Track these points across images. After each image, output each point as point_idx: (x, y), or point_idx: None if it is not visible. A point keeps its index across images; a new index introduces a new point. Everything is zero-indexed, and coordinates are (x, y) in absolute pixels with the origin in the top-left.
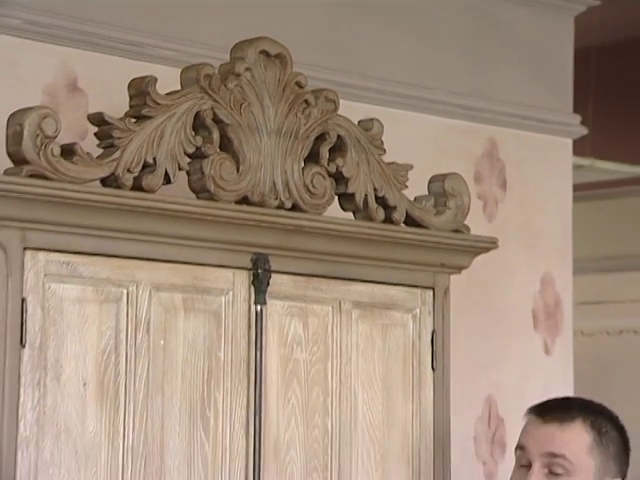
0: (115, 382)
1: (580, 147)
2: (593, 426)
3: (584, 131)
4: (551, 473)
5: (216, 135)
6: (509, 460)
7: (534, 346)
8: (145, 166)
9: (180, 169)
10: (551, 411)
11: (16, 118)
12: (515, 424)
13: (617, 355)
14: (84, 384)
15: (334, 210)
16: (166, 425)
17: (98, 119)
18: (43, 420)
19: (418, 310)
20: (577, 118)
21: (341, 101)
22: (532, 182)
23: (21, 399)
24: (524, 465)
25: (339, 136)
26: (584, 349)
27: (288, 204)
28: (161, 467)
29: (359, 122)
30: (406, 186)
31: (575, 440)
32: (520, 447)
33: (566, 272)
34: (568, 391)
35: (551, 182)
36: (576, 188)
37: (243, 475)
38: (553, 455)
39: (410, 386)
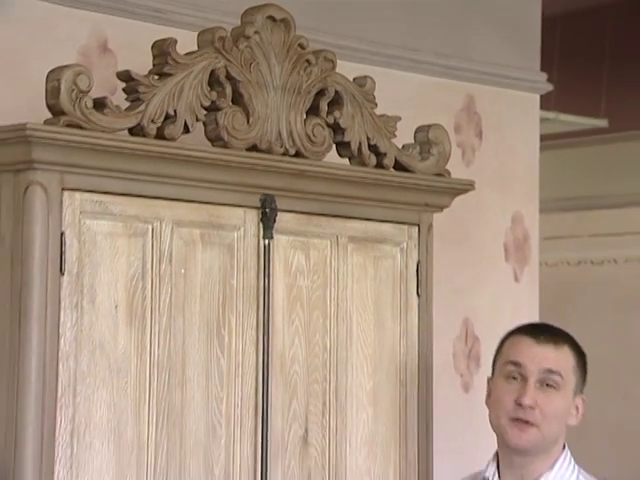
0: (142, 305)
1: (546, 102)
2: (576, 350)
3: (550, 88)
4: (543, 386)
5: (229, 90)
6: (483, 373)
7: (505, 275)
8: (167, 117)
9: (197, 120)
10: (543, 334)
11: (54, 75)
12: (489, 342)
13: (576, 282)
14: (115, 306)
15: (332, 156)
16: (187, 342)
17: (126, 76)
18: (80, 337)
19: (405, 244)
20: (544, 76)
21: (338, 61)
22: (504, 132)
23: (61, 319)
24: (515, 378)
25: (336, 91)
26: (548, 277)
27: (292, 151)
28: (182, 378)
29: (354, 79)
30: (395, 135)
31: (566, 360)
32: (514, 363)
33: (533, 211)
34: (534, 313)
35: (521, 132)
36: (542, 138)
37: (253, 386)
38: (550, 371)
39: (398, 310)
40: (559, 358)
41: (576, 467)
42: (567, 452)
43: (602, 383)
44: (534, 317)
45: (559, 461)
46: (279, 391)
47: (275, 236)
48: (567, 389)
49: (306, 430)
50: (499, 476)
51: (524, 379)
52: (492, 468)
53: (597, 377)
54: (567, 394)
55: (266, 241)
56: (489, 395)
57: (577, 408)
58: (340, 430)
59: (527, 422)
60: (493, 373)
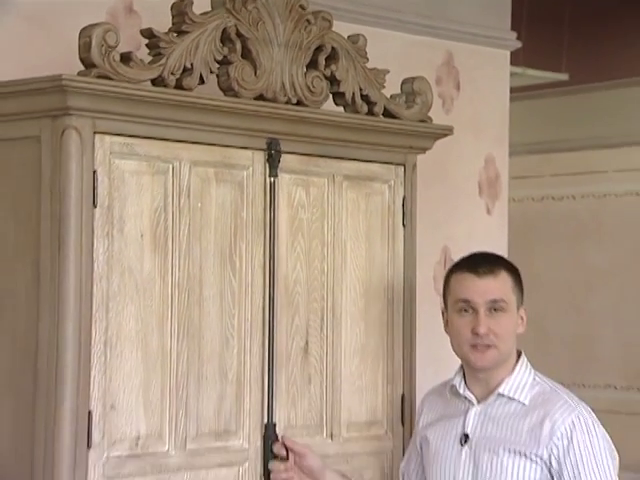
0: (164, 234)
1: (515, 58)
2: (511, 272)
3: (518, 45)
4: (492, 313)
5: (238, 46)
6: None
7: (479, 208)
8: (184, 70)
9: (211, 72)
10: (482, 266)
11: (86, 32)
12: None
13: (539, 215)
14: (141, 235)
15: (329, 105)
16: (203, 266)
17: (148, 33)
18: (111, 262)
19: (392, 181)
20: (513, 35)
21: (334, 21)
22: (479, 85)
23: (94, 246)
24: (467, 311)
25: (333, 48)
26: (515, 211)
27: (294, 100)
28: (200, 297)
29: (348, 37)
30: (384, 86)
31: (505, 285)
32: (464, 300)
33: (503, 153)
34: (503, 242)
35: (493, 85)
36: (511, 90)
37: (261, 304)
38: (495, 301)
39: (386, 239)
40: (499, 286)
41: (532, 370)
42: (523, 358)
43: (560, 301)
44: (503, 245)
45: (517, 367)
46: (283, 308)
47: (279, 174)
48: (511, 308)
49: (306, 342)
50: (465, 383)
51: (475, 311)
52: (459, 377)
53: (556, 296)
54: (512, 312)
55: (271, 179)
56: (447, 324)
57: (522, 318)
58: (336, 342)
59: (486, 346)
60: (445, 306)
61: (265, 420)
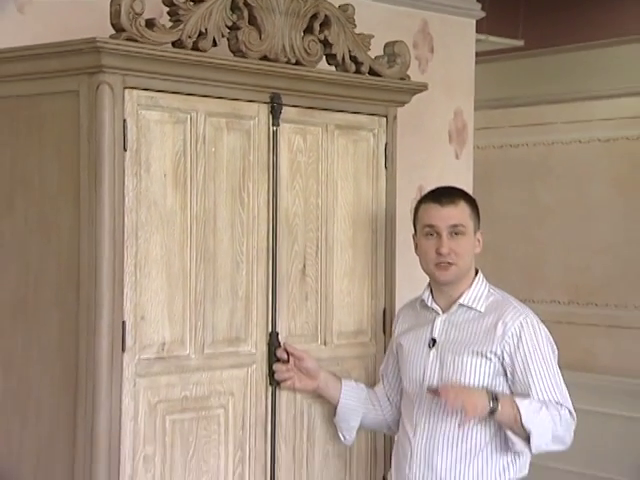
0: (184, 174)
1: (479, 26)
2: (468, 202)
3: (482, 15)
4: (452, 236)
5: (246, 14)
6: None
7: (449, 154)
8: (200, 34)
9: (223, 36)
10: (444, 198)
11: (116, 0)
12: None
13: (499, 160)
14: (164, 175)
15: (322, 65)
16: (217, 201)
17: (169, 2)
18: (139, 197)
19: (376, 130)
20: (478, 6)
21: None
22: (450, 49)
23: (125, 184)
24: (432, 234)
25: (326, 15)
26: (479, 156)
27: (293, 60)
28: (214, 227)
29: (339, 6)
30: (369, 49)
31: (463, 212)
32: (429, 226)
33: (469, 107)
34: (469, 181)
35: (461, 49)
36: (477, 54)
37: (265, 233)
38: (455, 225)
39: (371, 178)
40: (459, 213)
41: (487, 284)
42: (480, 275)
43: (515, 231)
44: (469, 185)
45: (474, 282)
46: (284, 237)
47: (281, 124)
48: (469, 232)
49: (304, 265)
50: (432, 297)
51: (439, 235)
52: (427, 292)
53: (511, 227)
54: (470, 235)
55: (274, 128)
56: (416, 247)
57: (478, 240)
58: (328, 265)
59: (448, 263)
60: (415, 232)
61: (269, 329)
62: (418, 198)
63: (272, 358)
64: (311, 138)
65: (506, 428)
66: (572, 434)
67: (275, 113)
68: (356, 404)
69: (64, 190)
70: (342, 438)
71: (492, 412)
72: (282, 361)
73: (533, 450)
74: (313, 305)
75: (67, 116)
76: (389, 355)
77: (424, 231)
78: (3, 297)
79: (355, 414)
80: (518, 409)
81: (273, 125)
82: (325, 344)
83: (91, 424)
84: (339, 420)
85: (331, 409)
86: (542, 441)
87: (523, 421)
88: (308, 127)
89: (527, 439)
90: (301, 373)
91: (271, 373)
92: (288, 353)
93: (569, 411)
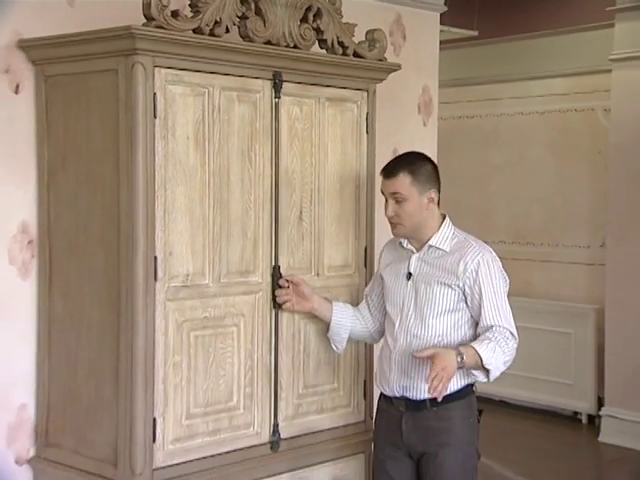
0: (203, 137)
1: (443, 19)
2: (410, 172)
3: (445, 9)
4: (397, 202)
5: (253, 6)
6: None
7: (418, 122)
8: (215, 23)
9: (234, 24)
10: (387, 171)
11: None
12: None
13: (458, 129)
14: (187, 138)
15: (315, 48)
16: (230, 160)
17: None
18: (167, 156)
19: (359, 102)
20: (442, 1)
21: None
22: (419, 37)
23: (155, 145)
24: (387, 200)
25: (318, 7)
26: (442, 126)
27: (291, 44)
28: (228, 181)
29: (329, 0)
30: (354, 35)
31: (403, 182)
32: (382, 192)
33: (435, 85)
34: (434, 146)
35: (428, 37)
36: (440, 42)
37: (269, 186)
38: (394, 193)
39: (355, 142)
40: (397, 183)
41: (453, 228)
42: (447, 220)
43: (471, 186)
44: (434, 148)
45: (442, 226)
46: (284, 189)
47: (282, 97)
48: (411, 197)
49: (301, 212)
50: (408, 240)
51: (387, 201)
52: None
53: (468, 183)
54: (412, 200)
55: (276, 100)
56: None
57: (431, 199)
58: (320, 212)
59: (394, 223)
60: None
61: (273, 263)
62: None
63: (275, 286)
64: (306, 109)
65: (470, 369)
66: (515, 352)
67: (277, 88)
68: (345, 320)
69: (107, 150)
70: (335, 348)
71: (460, 367)
72: (283, 288)
73: (492, 377)
74: (308, 244)
75: (108, 90)
76: (374, 281)
77: (384, 196)
78: (60, 238)
79: (344, 328)
80: (479, 356)
81: (275, 98)
82: (318, 275)
83: (131, 338)
84: (332, 334)
85: (323, 327)
86: (497, 372)
87: (484, 364)
88: (304, 99)
89: (486, 371)
90: (299, 297)
91: (274, 298)
92: (288, 282)
93: (511, 333)
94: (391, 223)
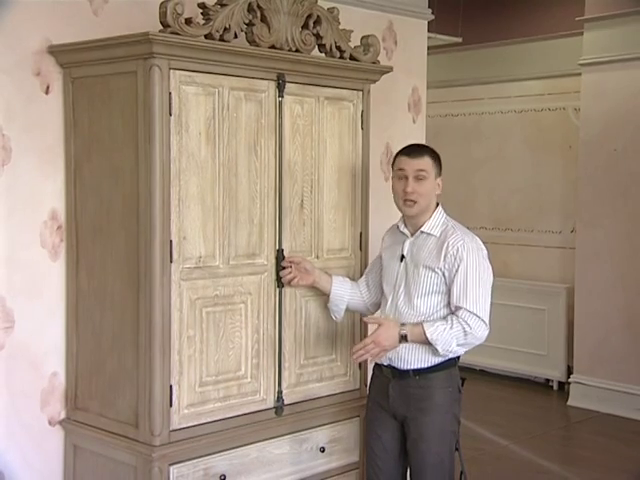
0: (213, 133)
1: (430, 26)
2: (431, 156)
3: (432, 17)
4: (417, 180)
5: (259, 14)
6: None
7: (408, 120)
8: (225, 29)
9: (242, 31)
10: (413, 151)
11: (163, 4)
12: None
13: (444, 126)
14: (199, 133)
15: (315, 52)
16: (238, 153)
17: (202, 5)
18: (181, 150)
19: (355, 101)
20: (429, 11)
21: None
22: (408, 42)
23: (170, 140)
24: (401, 178)
25: (318, 15)
26: (429, 123)
27: (294, 49)
28: (236, 172)
29: (328, 9)
30: (350, 40)
31: (426, 163)
32: (400, 169)
33: (423, 86)
34: (422, 141)
35: (417, 42)
36: (428, 48)
37: (273, 176)
38: (419, 170)
39: (351, 137)
40: (422, 163)
41: (444, 216)
42: (440, 208)
43: (455, 178)
44: (422, 142)
45: (434, 214)
46: (287, 179)
47: (285, 96)
48: (430, 178)
49: (302, 200)
50: (404, 225)
51: (406, 178)
52: (401, 222)
53: (452, 175)
54: (431, 181)
55: (280, 99)
56: (393, 188)
57: (438, 185)
58: (319, 200)
59: (412, 201)
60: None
61: (277, 247)
62: (385, 152)
63: (279, 267)
64: (307, 107)
65: (419, 343)
66: (482, 335)
67: (280, 88)
68: (343, 292)
69: (127, 144)
70: (334, 318)
71: (404, 338)
72: (286, 268)
73: (442, 353)
74: (308, 229)
75: (128, 90)
76: (376, 260)
77: (397, 174)
78: (85, 223)
79: (342, 299)
80: (425, 332)
81: (279, 97)
82: (317, 258)
83: (149, 313)
84: (331, 304)
85: (322, 304)
86: (447, 348)
87: (428, 339)
88: (305, 98)
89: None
90: (301, 273)
91: (278, 278)
92: (290, 262)
93: (477, 316)
94: (407, 201)
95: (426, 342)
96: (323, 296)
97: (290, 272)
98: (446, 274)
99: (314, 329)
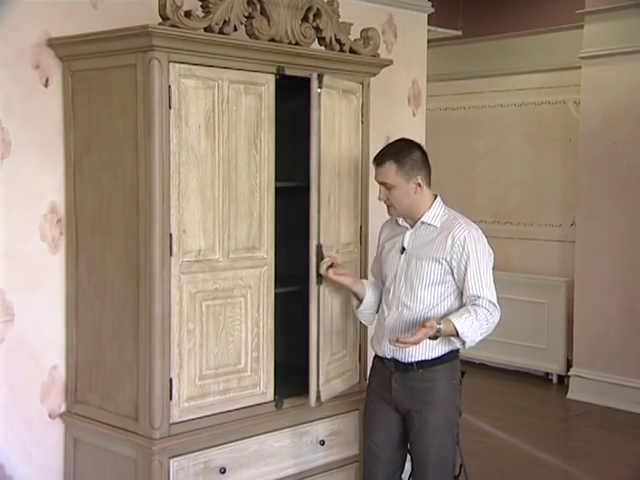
0: (213, 126)
1: (430, 19)
2: (395, 161)
3: (432, 10)
4: (387, 188)
5: (258, 7)
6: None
7: (408, 112)
8: (224, 22)
9: (241, 24)
10: (376, 161)
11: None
12: None
13: (443, 119)
14: (199, 126)
15: (315, 45)
16: (238, 146)
17: None
18: (181, 143)
19: (359, 94)
20: (429, 3)
21: None
22: (408, 35)
23: (170, 133)
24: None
25: (318, 8)
26: (429, 116)
27: (293, 42)
28: (236, 165)
29: (327, 1)
30: (350, 33)
31: (389, 171)
32: (375, 179)
33: (423, 79)
34: (422, 134)
35: (417, 36)
36: (428, 41)
37: (273, 170)
38: (383, 182)
39: (356, 128)
40: (384, 172)
41: (443, 206)
42: (438, 199)
43: (455, 171)
44: (422, 136)
45: (433, 205)
46: (324, 173)
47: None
48: (398, 185)
49: (329, 194)
50: (403, 218)
51: (381, 184)
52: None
53: (453, 168)
54: (400, 186)
55: (319, 90)
56: None
57: (418, 184)
58: (339, 194)
59: (389, 206)
60: None
61: (316, 242)
62: (384, 142)
63: (318, 263)
64: (332, 99)
65: (447, 337)
66: (497, 321)
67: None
68: (376, 297)
69: (126, 138)
70: (365, 322)
71: (436, 337)
72: (324, 262)
73: (467, 346)
74: (333, 223)
75: (128, 83)
76: (377, 257)
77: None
78: (85, 216)
79: (376, 304)
80: (456, 328)
81: (318, 88)
82: (337, 252)
83: (149, 306)
84: (365, 309)
85: (338, 300)
86: (473, 341)
87: (460, 335)
88: (331, 90)
89: (462, 341)
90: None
91: (319, 275)
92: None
93: (493, 303)
94: (387, 206)
95: (452, 336)
96: (340, 291)
97: (330, 261)
98: (453, 264)
99: (335, 325)
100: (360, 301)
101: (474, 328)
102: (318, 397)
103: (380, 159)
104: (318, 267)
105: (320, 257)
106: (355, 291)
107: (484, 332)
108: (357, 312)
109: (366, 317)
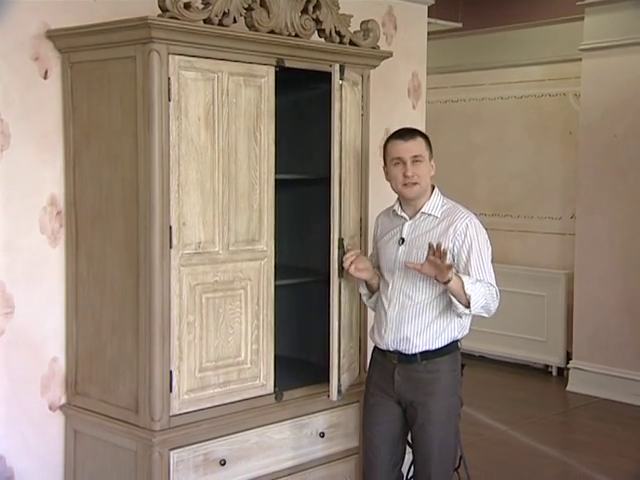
0: (212, 118)
1: (430, 11)
2: (424, 137)
3: (432, 2)
4: (414, 163)
5: None
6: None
7: (407, 105)
8: (224, 14)
9: (241, 15)
10: (406, 135)
11: None
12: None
13: (444, 112)
14: (198, 119)
15: (315, 37)
16: (237, 137)
17: None
18: (180, 135)
19: (360, 85)
20: None
21: None
22: (408, 27)
23: (170, 125)
24: (398, 164)
25: (317, 0)
26: (429, 108)
27: (293, 33)
28: (236, 158)
29: None
30: (350, 25)
31: (420, 145)
32: (397, 158)
33: (423, 71)
34: (422, 127)
35: (417, 28)
36: (428, 33)
37: (272, 163)
38: (415, 155)
39: (358, 120)
40: (417, 146)
41: (442, 196)
42: (436, 190)
43: (454, 163)
44: (422, 129)
45: (432, 195)
46: (345, 165)
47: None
48: (425, 160)
49: (340, 186)
50: (402, 208)
51: (404, 163)
52: (397, 205)
53: (452, 160)
54: (426, 163)
55: (340, 82)
56: (387, 175)
57: (432, 166)
58: (351, 186)
59: (412, 183)
60: (385, 163)
61: (337, 236)
62: (385, 137)
63: (341, 257)
64: (345, 90)
65: (452, 296)
66: (496, 306)
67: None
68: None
69: (126, 130)
70: (373, 310)
71: (448, 281)
72: (346, 256)
73: (472, 310)
74: (347, 215)
75: (127, 75)
76: (374, 249)
77: (393, 162)
78: (84, 209)
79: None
80: (463, 282)
81: (339, 80)
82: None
83: (149, 299)
84: (376, 299)
85: (348, 293)
86: (477, 305)
87: (465, 288)
88: (345, 82)
89: (466, 305)
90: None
91: (341, 268)
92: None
93: (495, 290)
94: (408, 184)
95: (459, 292)
96: (349, 283)
97: (354, 256)
98: (454, 250)
99: (347, 318)
100: (372, 292)
101: (481, 292)
102: (340, 390)
103: (411, 133)
104: (341, 261)
105: (341, 250)
106: (371, 284)
107: (485, 305)
108: (367, 301)
109: (375, 304)
